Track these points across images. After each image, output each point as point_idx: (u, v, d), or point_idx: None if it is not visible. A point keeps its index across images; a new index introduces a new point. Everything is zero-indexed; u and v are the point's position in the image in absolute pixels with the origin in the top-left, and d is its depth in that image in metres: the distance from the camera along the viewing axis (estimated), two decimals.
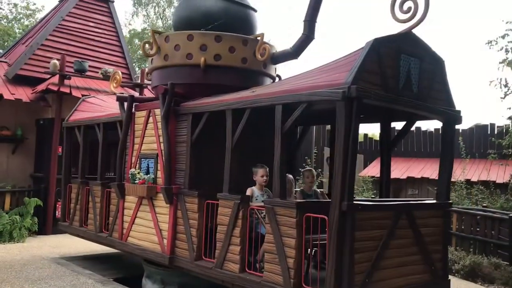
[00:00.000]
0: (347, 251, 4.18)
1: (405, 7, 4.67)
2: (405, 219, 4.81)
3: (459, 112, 5.38)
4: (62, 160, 11.40)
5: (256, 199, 5.44)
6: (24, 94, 11.23)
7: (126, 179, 6.94)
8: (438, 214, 5.27)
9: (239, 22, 6.80)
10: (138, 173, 6.55)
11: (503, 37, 12.18)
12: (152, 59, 6.82)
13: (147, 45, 6.67)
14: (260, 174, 5.64)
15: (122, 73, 12.81)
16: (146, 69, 8.66)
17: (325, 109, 5.40)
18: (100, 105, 8.80)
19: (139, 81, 12.93)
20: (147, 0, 22.96)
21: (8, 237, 9.64)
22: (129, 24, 25.43)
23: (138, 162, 6.73)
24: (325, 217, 4.31)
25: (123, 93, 8.93)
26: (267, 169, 5.74)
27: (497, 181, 12.85)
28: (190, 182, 5.90)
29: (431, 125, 16.53)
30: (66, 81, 11.15)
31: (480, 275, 7.96)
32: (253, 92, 5.37)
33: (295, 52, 6.55)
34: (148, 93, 12.38)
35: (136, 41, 24.22)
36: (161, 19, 23.20)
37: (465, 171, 12.95)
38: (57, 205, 10.90)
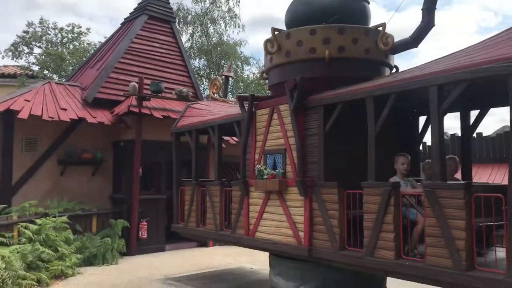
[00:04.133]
0: None
1: None
2: None
3: None
4: (141, 180, 11.62)
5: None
6: (104, 117, 11.43)
7: (249, 176, 7.06)
8: None
9: (355, 14, 6.81)
10: (265, 168, 6.64)
11: None
12: (271, 58, 6.93)
13: (268, 43, 6.78)
14: (400, 162, 5.60)
15: (190, 91, 12.95)
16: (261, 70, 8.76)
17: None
18: (208, 110, 9.03)
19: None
20: (192, 18, 23.00)
21: (102, 259, 9.93)
22: None
23: (263, 158, 6.82)
24: (500, 195, 4.17)
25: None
26: (408, 157, 5.66)
27: None
28: (325, 174, 5.91)
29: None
30: (144, 103, 11.34)
31: None
32: (395, 78, 5.32)
33: (415, 40, 6.48)
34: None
35: None
36: (206, 37, 23.13)
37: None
38: (140, 225, 11.23)
